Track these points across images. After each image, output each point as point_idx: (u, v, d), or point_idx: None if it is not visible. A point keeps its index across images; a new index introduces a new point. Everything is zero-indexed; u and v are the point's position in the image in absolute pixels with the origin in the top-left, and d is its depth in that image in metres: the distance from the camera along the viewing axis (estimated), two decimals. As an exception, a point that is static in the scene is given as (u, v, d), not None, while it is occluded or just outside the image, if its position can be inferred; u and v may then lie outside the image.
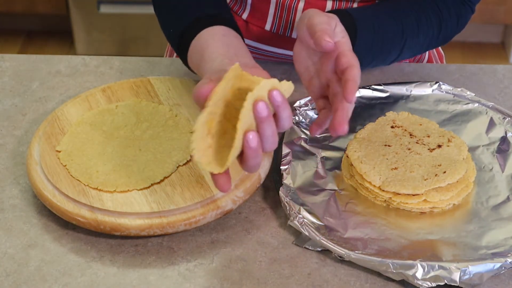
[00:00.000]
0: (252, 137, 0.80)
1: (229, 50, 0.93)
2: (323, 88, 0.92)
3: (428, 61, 1.30)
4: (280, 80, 0.81)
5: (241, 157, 0.83)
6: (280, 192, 0.95)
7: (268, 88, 0.81)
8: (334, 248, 0.89)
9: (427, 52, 1.29)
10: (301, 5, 1.14)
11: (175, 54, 1.31)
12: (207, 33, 0.96)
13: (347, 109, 0.86)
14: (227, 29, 0.96)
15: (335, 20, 0.91)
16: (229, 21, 0.98)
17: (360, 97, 1.11)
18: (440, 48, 1.34)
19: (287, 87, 0.84)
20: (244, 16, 1.20)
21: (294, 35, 1.19)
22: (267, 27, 1.19)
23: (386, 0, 1.09)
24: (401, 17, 1.07)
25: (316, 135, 0.87)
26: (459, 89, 1.12)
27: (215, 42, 0.94)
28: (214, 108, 0.82)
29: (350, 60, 0.87)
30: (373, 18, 1.04)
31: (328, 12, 0.96)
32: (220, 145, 0.83)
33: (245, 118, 0.80)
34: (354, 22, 1.00)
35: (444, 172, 0.95)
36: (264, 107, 0.80)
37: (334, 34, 0.89)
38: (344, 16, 0.98)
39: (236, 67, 0.83)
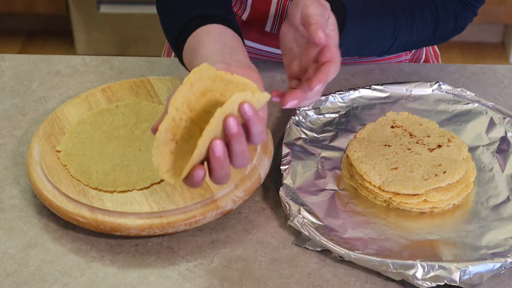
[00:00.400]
0: (219, 146, 0.78)
1: (223, 49, 0.92)
2: (301, 71, 0.93)
3: (425, 60, 1.30)
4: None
5: (208, 168, 0.81)
6: (280, 192, 0.95)
7: (240, 101, 0.78)
8: (334, 248, 0.89)
9: (424, 51, 1.29)
10: None
11: (173, 54, 1.31)
12: (203, 31, 0.96)
13: (304, 93, 0.87)
14: (224, 28, 0.96)
15: (328, 11, 0.92)
16: (228, 21, 0.98)
17: (360, 97, 1.11)
18: (436, 46, 1.34)
19: (261, 97, 0.80)
20: (244, 17, 1.20)
21: None
22: (267, 28, 1.19)
23: None
24: (395, 13, 1.07)
25: (273, 99, 0.89)
26: (459, 89, 1.12)
27: (210, 40, 0.94)
28: (177, 113, 0.79)
29: (333, 55, 0.88)
30: (365, 11, 1.04)
31: None
32: (184, 151, 0.79)
33: (209, 134, 0.77)
34: (345, 12, 1.00)
35: (444, 172, 0.95)
36: (234, 123, 0.78)
37: (326, 25, 0.90)
38: (336, 5, 0.99)
39: (202, 68, 0.80)
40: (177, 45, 0.99)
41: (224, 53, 0.91)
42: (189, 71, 0.97)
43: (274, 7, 1.16)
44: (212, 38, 0.94)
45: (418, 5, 1.09)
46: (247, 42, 1.22)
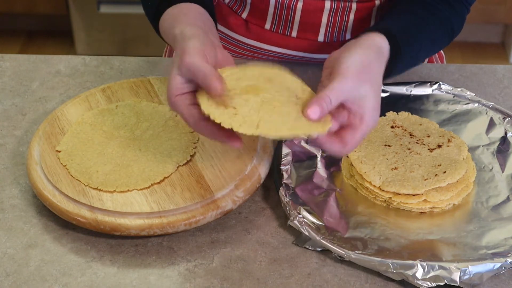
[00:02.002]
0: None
1: (204, 26, 0.94)
2: None
3: (428, 62, 1.30)
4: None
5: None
6: (280, 192, 0.95)
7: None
8: (334, 248, 0.89)
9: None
10: (299, 4, 1.15)
11: (174, 54, 1.31)
12: (185, 5, 0.97)
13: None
14: (203, 10, 0.98)
15: (363, 95, 0.87)
16: (206, 5, 0.99)
17: (360, 97, 1.11)
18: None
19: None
20: (244, 15, 1.21)
21: (294, 34, 1.19)
22: (267, 26, 1.20)
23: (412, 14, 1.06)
24: (433, 35, 1.06)
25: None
26: (459, 89, 1.12)
27: (192, 14, 0.95)
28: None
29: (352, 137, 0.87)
30: (415, 42, 1.02)
31: (374, 27, 0.94)
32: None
33: None
34: (399, 47, 0.97)
35: (444, 172, 0.95)
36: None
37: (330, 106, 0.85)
38: (391, 39, 0.95)
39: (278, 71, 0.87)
40: (155, 14, 0.99)
41: (205, 29, 0.93)
42: (164, 40, 0.99)
43: (273, 5, 1.16)
44: (194, 13, 0.96)
45: (443, 25, 1.07)
46: (248, 41, 1.22)
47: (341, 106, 0.87)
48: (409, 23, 1.03)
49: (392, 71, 0.98)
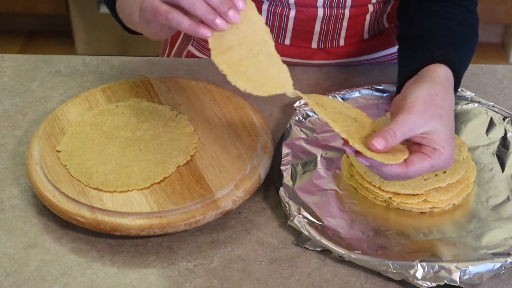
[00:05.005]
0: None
1: None
2: None
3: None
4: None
5: None
6: (280, 192, 0.95)
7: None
8: (334, 248, 0.89)
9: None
10: (292, 13, 1.14)
11: (172, 54, 1.31)
12: None
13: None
14: None
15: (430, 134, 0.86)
16: None
17: (360, 97, 1.11)
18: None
19: None
20: None
21: (287, 42, 1.18)
22: None
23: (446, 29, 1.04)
24: (473, 46, 1.06)
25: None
26: (459, 89, 1.12)
27: None
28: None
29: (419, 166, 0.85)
30: (465, 67, 1.02)
31: (430, 56, 0.94)
32: None
33: None
34: (460, 78, 0.97)
35: (444, 172, 0.95)
36: None
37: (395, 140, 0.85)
38: (452, 66, 0.95)
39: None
40: None
41: None
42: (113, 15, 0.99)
43: (265, 14, 1.15)
44: None
45: (468, 23, 1.06)
46: None
47: (414, 144, 0.87)
48: (456, 42, 1.02)
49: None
